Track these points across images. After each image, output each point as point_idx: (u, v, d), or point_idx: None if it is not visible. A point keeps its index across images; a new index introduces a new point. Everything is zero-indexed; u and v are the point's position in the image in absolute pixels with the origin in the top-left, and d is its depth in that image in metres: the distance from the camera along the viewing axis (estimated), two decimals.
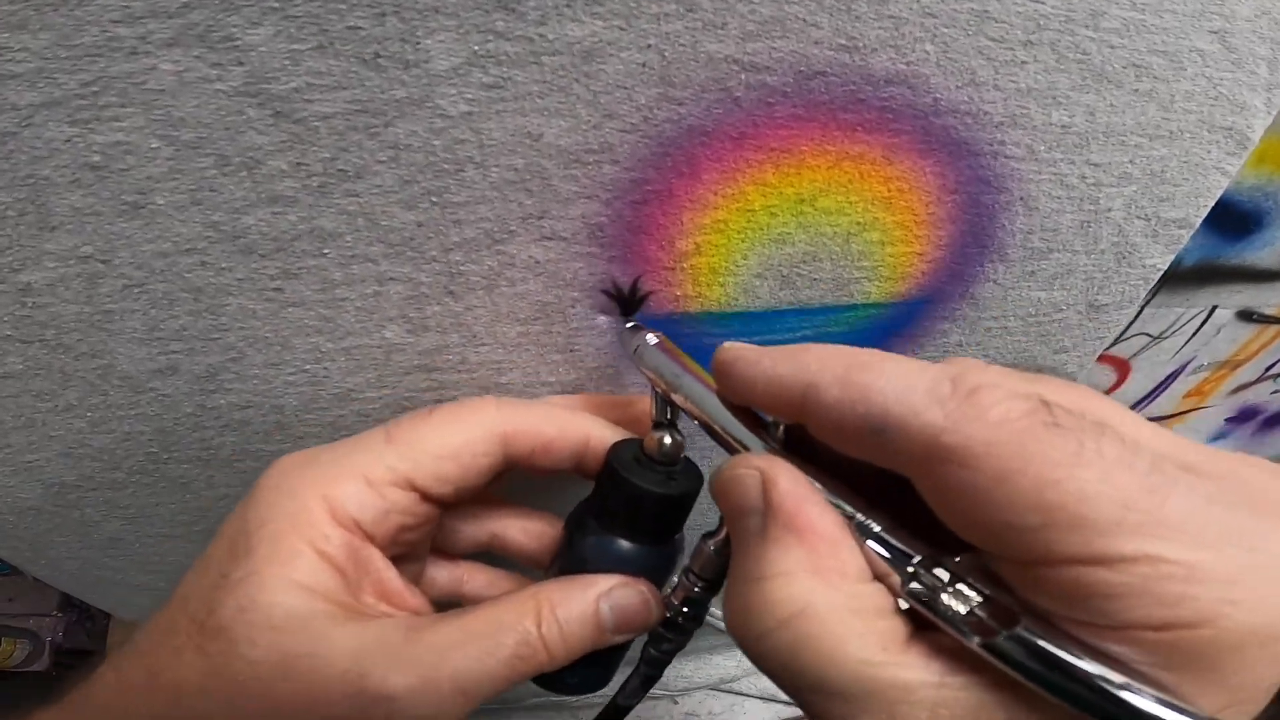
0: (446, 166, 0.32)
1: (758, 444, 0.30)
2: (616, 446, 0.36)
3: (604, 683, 0.37)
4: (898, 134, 0.34)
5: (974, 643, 0.22)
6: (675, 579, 0.35)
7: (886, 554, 0.25)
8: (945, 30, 0.32)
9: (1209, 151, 0.36)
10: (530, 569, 0.41)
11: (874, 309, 0.41)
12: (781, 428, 0.30)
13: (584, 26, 0.29)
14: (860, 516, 0.26)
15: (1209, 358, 0.76)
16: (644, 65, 0.31)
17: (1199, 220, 0.40)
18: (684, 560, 0.36)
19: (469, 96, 0.30)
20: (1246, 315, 0.70)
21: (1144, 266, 0.44)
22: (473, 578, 0.41)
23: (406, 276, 0.35)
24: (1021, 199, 0.37)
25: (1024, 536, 0.21)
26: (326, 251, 0.33)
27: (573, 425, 0.36)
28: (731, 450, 0.31)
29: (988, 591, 0.23)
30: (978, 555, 0.24)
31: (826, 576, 0.25)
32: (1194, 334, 0.70)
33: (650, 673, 0.38)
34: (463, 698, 0.30)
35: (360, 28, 0.28)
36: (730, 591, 0.27)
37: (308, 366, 0.38)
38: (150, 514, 0.44)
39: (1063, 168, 0.36)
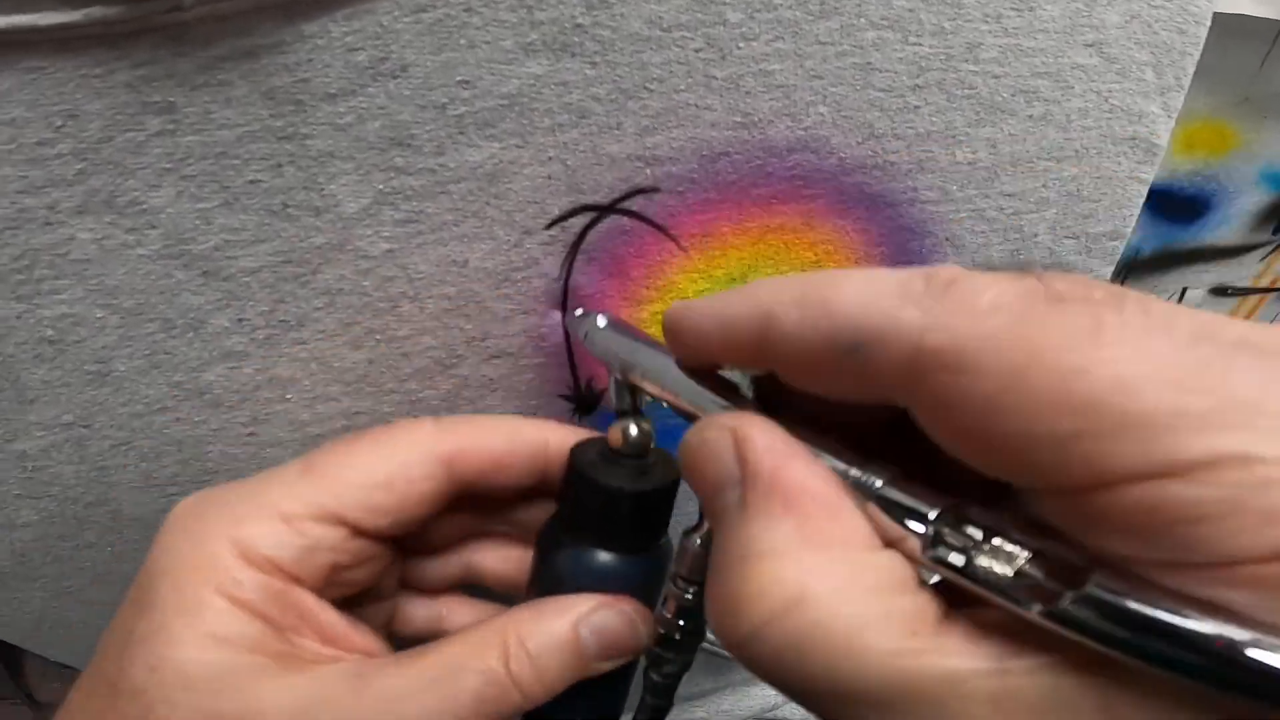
0: (382, 305, 0.30)
1: (726, 406, 0.24)
2: (578, 447, 0.29)
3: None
4: (812, 199, 0.32)
5: (1034, 612, 0.15)
6: (665, 588, 0.29)
7: (898, 514, 0.18)
8: (834, 90, 0.30)
9: (1119, 164, 0.34)
10: (519, 599, 0.34)
11: None
12: (750, 384, 0.24)
13: (481, 150, 0.28)
14: (856, 471, 0.19)
15: None
16: (549, 177, 0.29)
17: (1129, 229, 0.37)
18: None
19: (386, 235, 0.29)
20: (1221, 291, 0.67)
21: (1089, 276, 0.41)
22: (455, 612, 0.34)
23: (370, 409, 0.33)
24: (947, 239, 0.35)
25: (1059, 453, 0.15)
26: (289, 396, 0.32)
27: (525, 433, 0.29)
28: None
29: (1037, 544, 0.17)
30: (1011, 502, 0.18)
31: (825, 549, 0.18)
32: None
33: (658, 703, 0.30)
34: None
35: (260, 180, 0.27)
36: (710, 583, 0.20)
37: None
38: None
39: (979, 203, 0.33)
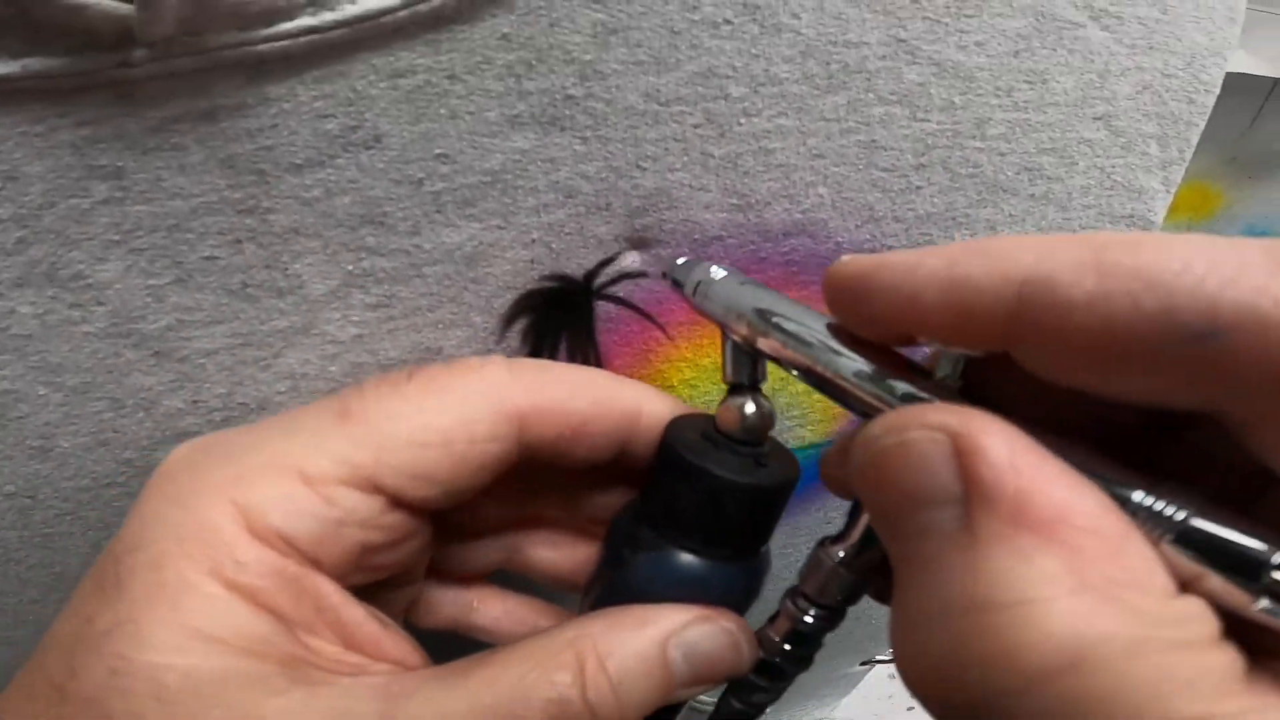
0: None
1: (911, 396, 0.17)
2: (677, 423, 0.22)
3: None
4: (805, 285, 0.28)
5: None
6: (780, 605, 0.22)
7: (1213, 554, 0.13)
8: (836, 169, 0.26)
9: None
10: (565, 594, 0.28)
11: (812, 449, 0.34)
12: (960, 366, 0.17)
13: (460, 231, 0.24)
14: (1147, 496, 0.14)
15: None
16: (532, 261, 0.25)
17: None
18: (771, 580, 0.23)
19: (355, 319, 0.24)
20: None
21: None
22: (487, 604, 0.27)
23: None
24: None
25: None
26: None
27: (616, 395, 0.22)
28: (869, 414, 0.17)
29: None
30: None
31: (1110, 595, 0.13)
32: None
33: None
34: None
35: (217, 257, 0.22)
36: (914, 629, 0.15)
37: None
38: None
39: None
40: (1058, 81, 0.27)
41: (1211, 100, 0.29)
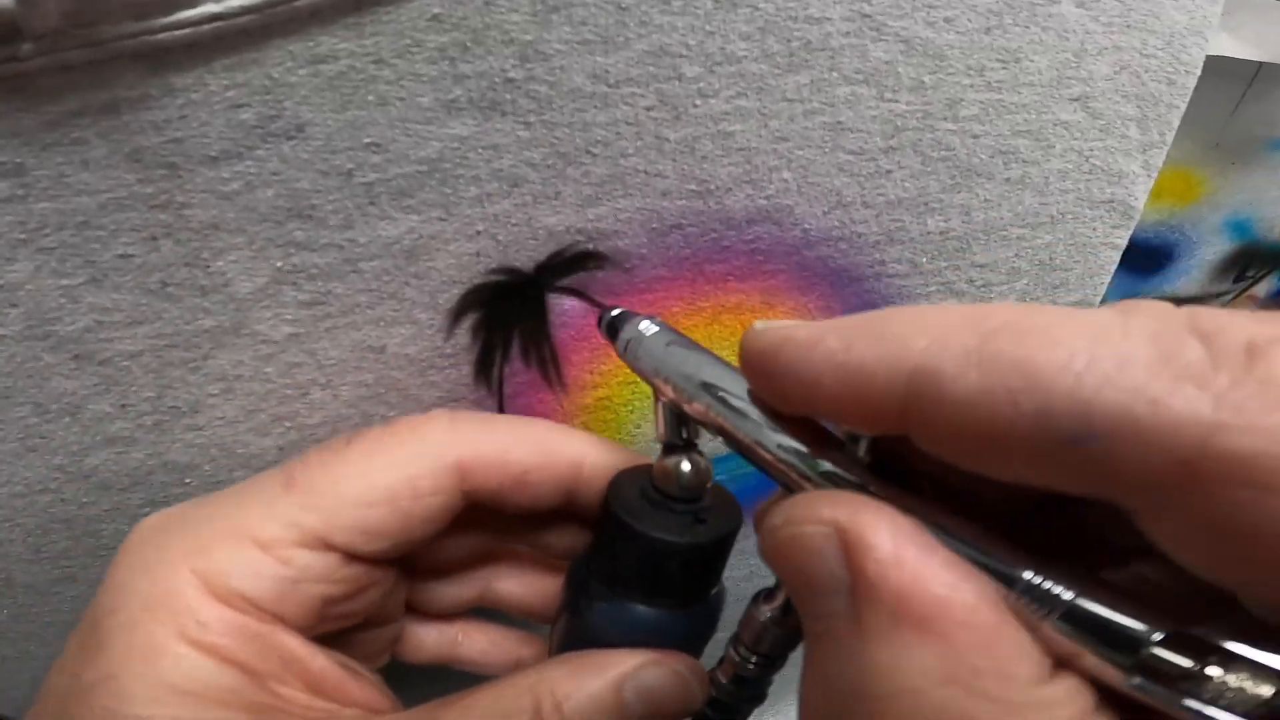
0: (289, 392, 0.24)
1: (823, 472, 0.17)
2: (619, 481, 0.22)
3: None
4: (772, 275, 0.26)
5: None
6: (725, 650, 0.22)
7: (1093, 635, 0.13)
8: (800, 153, 0.24)
9: (1094, 229, 0.29)
10: (540, 625, 0.28)
11: None
12: (864, 442, 0.17)
13: (398, 224, 0.22)
14: (1034, 576, 0.13)
15: None
16: (478, 254, 0.23)
17: (1099, 298, 0.32)
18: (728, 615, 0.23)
19: (289, 317, 0.23)
20: None
21: None
22: (470, 637, 0.27)
23: None
24: None
25: None
26: (188, 481, 0.26)
27: (558, 447, 0.23)
28: (788, 485, 0.17)
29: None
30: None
31: (979, 688, 0.13)
32: None
33: None
34: None
35: (132, 255, 0.21)
36: (813, 705, 0.15)
37: None
38: None
39: (948, 275, 0.28)
40: (1031, 60, 0.25)
41: (1192, 81, 0.27)
